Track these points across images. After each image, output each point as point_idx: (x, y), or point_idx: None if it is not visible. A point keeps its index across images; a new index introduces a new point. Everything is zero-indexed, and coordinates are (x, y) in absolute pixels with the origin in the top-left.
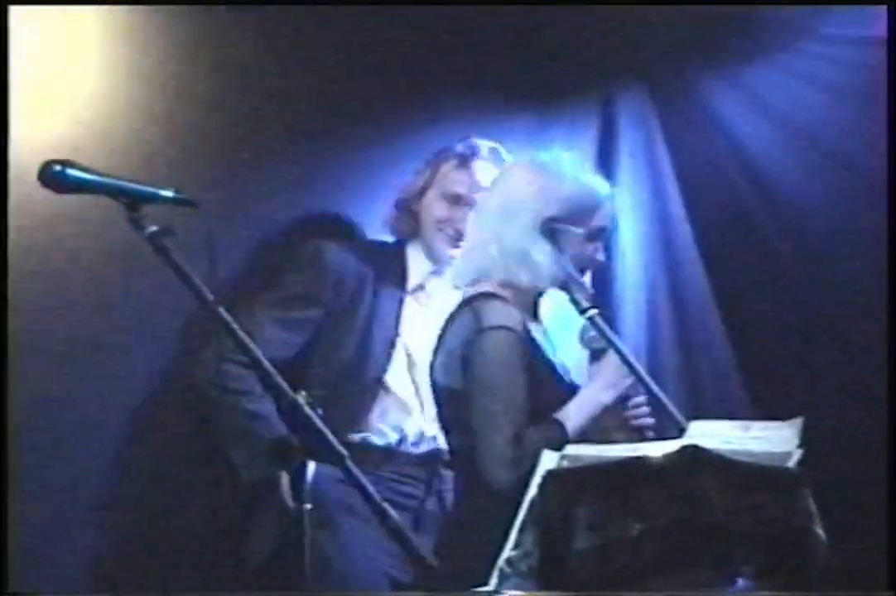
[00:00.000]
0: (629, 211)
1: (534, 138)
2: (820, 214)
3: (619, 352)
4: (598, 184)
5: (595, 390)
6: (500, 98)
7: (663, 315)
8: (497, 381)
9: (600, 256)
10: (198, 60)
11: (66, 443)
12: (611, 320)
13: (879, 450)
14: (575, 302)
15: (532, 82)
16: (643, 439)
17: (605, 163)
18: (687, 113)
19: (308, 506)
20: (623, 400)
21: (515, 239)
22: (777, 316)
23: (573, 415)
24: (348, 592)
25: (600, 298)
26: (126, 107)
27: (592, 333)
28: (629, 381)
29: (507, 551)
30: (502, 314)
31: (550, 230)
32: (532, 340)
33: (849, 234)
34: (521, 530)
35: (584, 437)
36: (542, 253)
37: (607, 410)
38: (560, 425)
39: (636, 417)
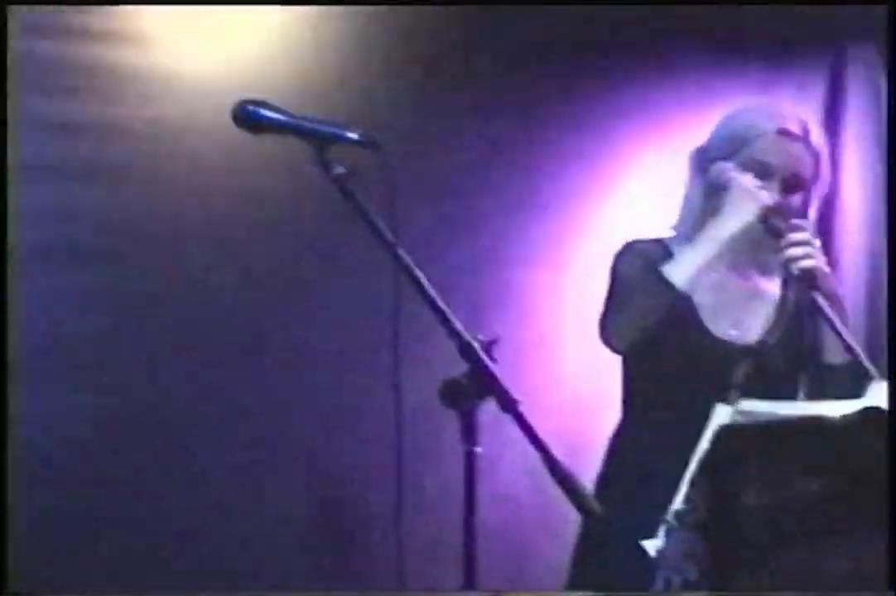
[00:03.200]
0: (855, 173)
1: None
2: None
3: (828, 319)
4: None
5: (712, 227)
6: (730, 55)
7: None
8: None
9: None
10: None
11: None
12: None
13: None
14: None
15: (760, 39)
16: (808, 285)
17: (832, 123)
18: None
19: (479, 449)
20: (774, 234)
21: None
22: None
23: (677, 258)
24: (349, 592)
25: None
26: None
27: None
28: (754, 212)
29: (676, 504)
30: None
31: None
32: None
33: None
34: (690, 484)
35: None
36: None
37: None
38: (664, 282)
39: (794, 259)
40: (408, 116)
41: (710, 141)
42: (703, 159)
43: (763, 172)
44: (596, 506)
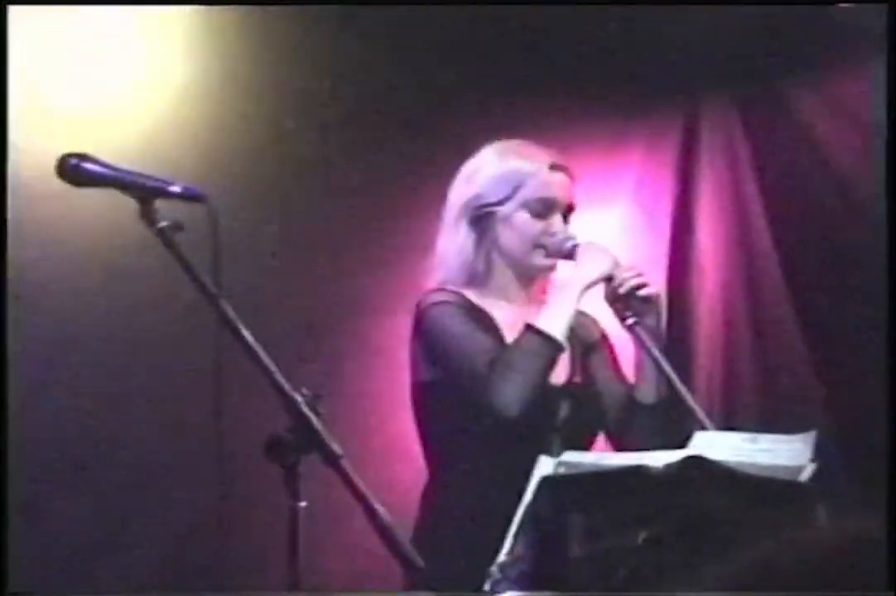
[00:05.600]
0: (709, 221)
1: (614, 147)
2: None
3: (651, 355)
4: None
5: (569, 276)
6: (581, 107)
7: (741, 326)
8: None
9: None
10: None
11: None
12: (686, 327)
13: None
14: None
15: (615, 92)
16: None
17: (686, 172)
18: (772, 123)
19: (303, 503)
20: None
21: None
22: (863, 332)
23: (546, 312)
24: (349, 592)
25: (678, 310)
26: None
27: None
28: (610, 263)
29: (501, 556)
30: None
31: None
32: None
33: None
34: (514, 535)
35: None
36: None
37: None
38: (530, 328)
39: (638, 286)
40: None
41: (482, 188)
42: (476, 207)
43: (546, 208)
44: (417, 559)
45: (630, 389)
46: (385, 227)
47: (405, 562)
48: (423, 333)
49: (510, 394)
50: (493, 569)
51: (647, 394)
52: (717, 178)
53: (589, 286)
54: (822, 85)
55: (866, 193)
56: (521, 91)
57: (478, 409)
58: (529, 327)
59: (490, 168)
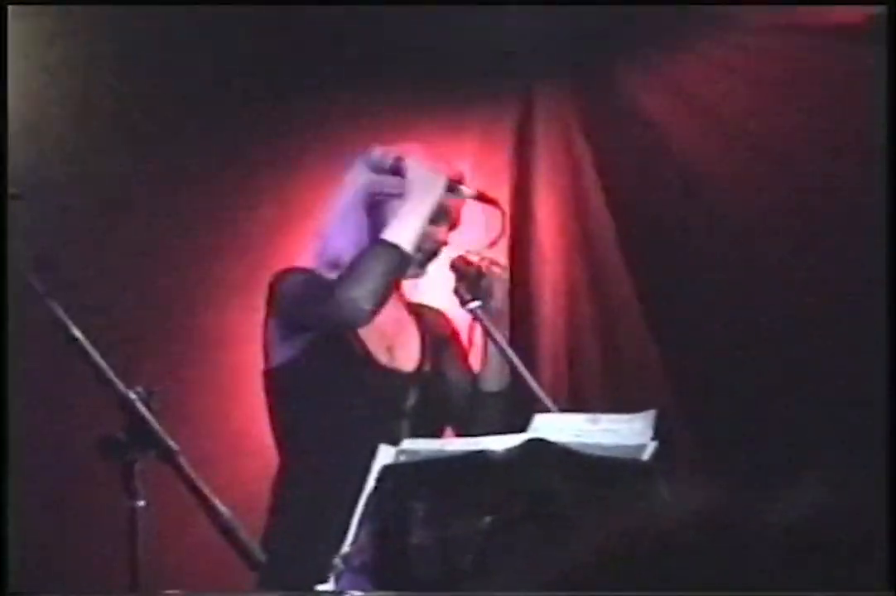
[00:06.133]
0: (547, 204)
1: (449, 136)
2: (745, 206)
3: (494, 341)
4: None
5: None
6: (414, 97)
7: (583, 308)
8: None
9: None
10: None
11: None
12: (529, 318)
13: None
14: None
15: (447, 81)
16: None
17: (523, 158)
18: (608, 106)
19: (141, 503)
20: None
21: None
22: (702, 313)
23: (398, 229)
24: (352, 592)
25: (520, 295)
26: None
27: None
28: (443, 180)
29: (344, 547)
30: None
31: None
32: None
33: (776, 227)
34: (357, 526)
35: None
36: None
37: None
38: (377, 241)
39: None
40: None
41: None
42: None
43: None
44: (259, 555)
45: (475, 378)
46: (225, 217)
47: (247, 559)
48: (277, 303)
49: (359, 291)
50: (337, 560)
51: (492, 382)
52: (554, 162)
53: (432, 198)
54: (657, 66)
55: (702, 171)
56: (351, 83)
57: (326, 320)
58: (375, 240)
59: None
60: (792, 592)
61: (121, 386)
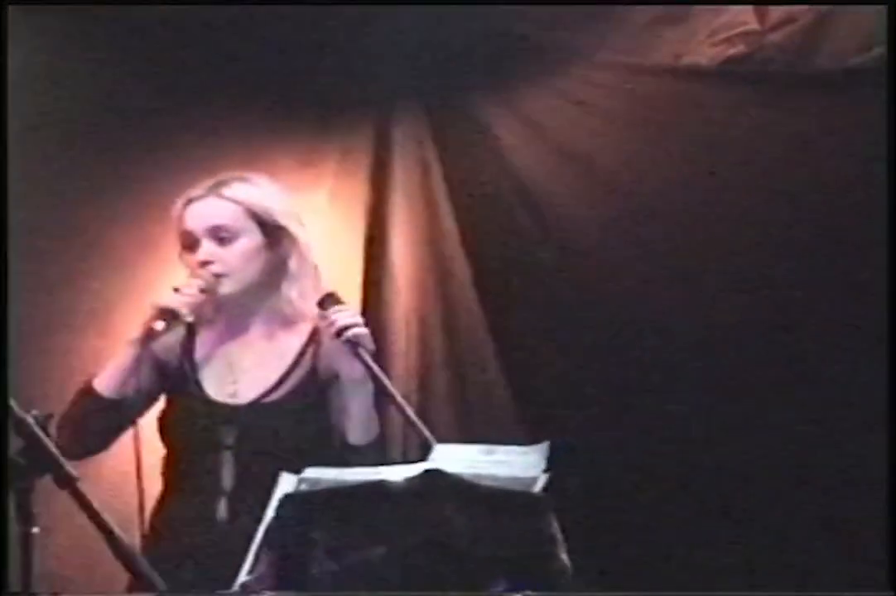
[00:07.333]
0: (404, 234)
1: (307, 160)
2: (594, 239)
3: (369, 368)
4: None
5: None
6: (270, 122)
7: (435, 338)
8: None
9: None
10: None
11: None
12: (380, 341)
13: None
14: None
15: (304, 105)
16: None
17: (378, 186)
18: (463, 137)
19: (36, 529)
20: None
21: None
22: (551, 339)
23: None
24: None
25: (372, 319)
26: None
27: None
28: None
29: (242, 576)
30: None
31: None
32: None
33: (630, 258)
34: (256, 555)
35: None
36: None
37: None
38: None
39: (346, 326)
40: None
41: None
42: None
43: (190, 241)
44: (158, 582)
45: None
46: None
47: (145, 586)
48: None
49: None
50: (237, 589)
51: (359, 436)
52: (409, 185)
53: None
54: (510, 96)
55: (545, 199)
56: (206, 107)
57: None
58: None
59: None
60: (792, 593)
61: (17, 409)
